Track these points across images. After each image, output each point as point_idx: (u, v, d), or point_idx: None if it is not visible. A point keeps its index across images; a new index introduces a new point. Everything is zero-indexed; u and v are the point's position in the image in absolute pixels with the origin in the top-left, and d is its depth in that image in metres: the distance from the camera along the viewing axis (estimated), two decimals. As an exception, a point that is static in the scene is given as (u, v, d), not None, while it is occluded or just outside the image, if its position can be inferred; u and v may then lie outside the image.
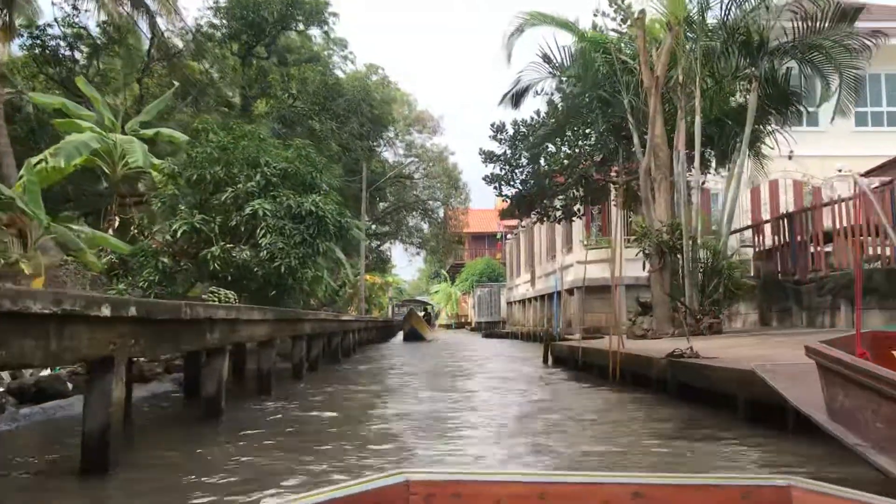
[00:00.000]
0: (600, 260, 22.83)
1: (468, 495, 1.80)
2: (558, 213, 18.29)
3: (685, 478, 1.88)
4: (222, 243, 16.22)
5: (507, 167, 17.15)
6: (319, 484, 3.21)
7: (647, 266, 13.33)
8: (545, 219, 18.47)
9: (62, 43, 25.57)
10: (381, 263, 49.91)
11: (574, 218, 18.95)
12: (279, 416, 7.35)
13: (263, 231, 16.23)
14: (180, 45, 25.00)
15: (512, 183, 17.33)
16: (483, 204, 67.80)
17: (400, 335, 30.59)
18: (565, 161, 16.45)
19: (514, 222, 48.02)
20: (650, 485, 1.80)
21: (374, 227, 44.57)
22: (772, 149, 14.84)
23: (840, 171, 23.05)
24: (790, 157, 19.27)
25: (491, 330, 43.81)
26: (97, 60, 26.14)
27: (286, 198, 16.70)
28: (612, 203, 19.13)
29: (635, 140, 13.69)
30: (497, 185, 17.36)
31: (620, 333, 14.49)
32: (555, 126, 15.82)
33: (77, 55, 26.45)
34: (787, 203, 23.30)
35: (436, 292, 73.80)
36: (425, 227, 47.07)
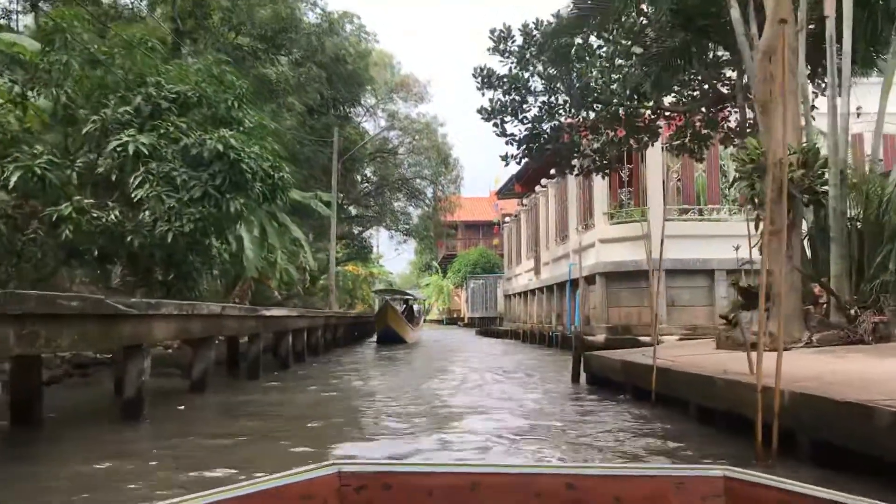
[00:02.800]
0: (631, 237, 17.33)
1: (400, 486, 1.78)
2: (586, 162, 12.77)
3: (619, 468, 1.96)
4: (77, 197, 10.68)
5: (515, 93, 11.59)
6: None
7: (761, 224, 7.81)
8: (567, 172, 12.92)
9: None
10: (362, 251, 44.30)
11: (607, 171, 13.38)
12: None
13: (140, 179, 10.68)
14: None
15: (521, 117, 11.77)
16: (477, 192, 62.39)
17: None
18: (599, 78, 10.96)
19: (512, 205, 42.46)
20: (583, 475, 1.78)
21: (351, 208, 38.91)
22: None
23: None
24: (858, 114, 13.91)
25: (486, 327, 38.22)
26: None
27: (181, 132, 11.13)
28: (664, 147, 13.56)
29: (733, 12, 8.08)
30: (499, 121, 11.81)
31: (725, 336, 9.02)
32: (586, 17, 10.19)
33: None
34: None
35: (426, 285, 68.29)
36: (412, 211, 41.40)
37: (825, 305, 7.45)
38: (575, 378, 9.54)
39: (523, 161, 12.43)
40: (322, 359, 16.65)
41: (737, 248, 9.75)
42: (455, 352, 19.18)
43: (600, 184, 18.04)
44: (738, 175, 7.84)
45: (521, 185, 29.49)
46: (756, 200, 7.67)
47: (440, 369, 12.61)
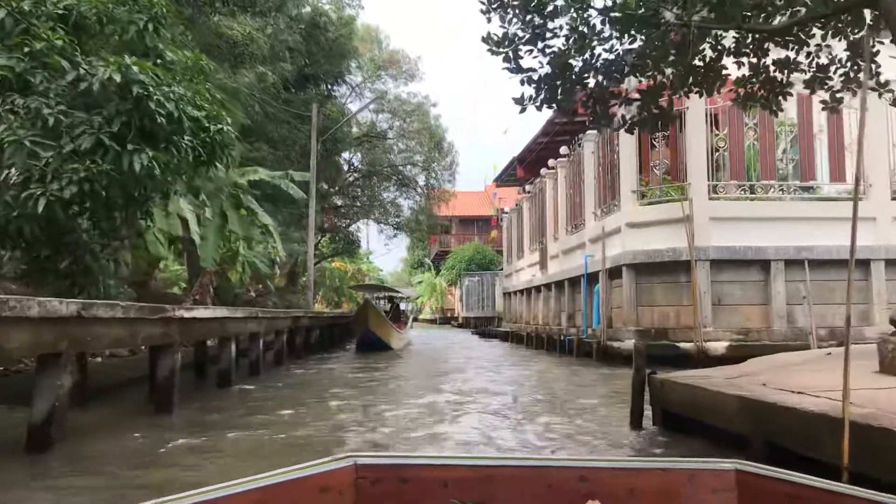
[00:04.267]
0: (667, 220, 14.13)
1: (416, 479, 1.78)
2: (629, 112, 9.57)
3: (631, 461, 1.94)
4: None
5: (534, 13, 8.30)
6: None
7: None
8: (603, 124, 9.66)
9: None
10: (348, 246, 40.94)
11: (657, 126, 10.12)
12: None
13: (-8, 119, 7.40)
14: None
15: (543, 45, 8.49)
16: (471, 186, 59.22)
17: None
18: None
19: (511, 197, 39.13)
20: (596, 468, 1.78)
21: (336, 198, 35.59)
22: None
23: None
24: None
25: (483, 328, 35.02)
26: None
27: (64, 56, 7.87)
28: (730, 100, 10.31)
29: None
30: (511, 53, 8.51)
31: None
32: None
33: None
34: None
35: (419, 283, 64.99)
36: (403, 202, 37.98)
37: None
38: (636, 420, 6.23)
39: (544, 107, 9.13)
40: (285, 371, 13.34)
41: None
42: (450, 362, 15.91)
43: (627, 157, 14.85)
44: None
45: (524, 169, 26.26)
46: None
47: (429, 397, 9.30)
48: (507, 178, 30.31)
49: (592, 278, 16.97)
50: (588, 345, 15.62)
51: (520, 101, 9.03)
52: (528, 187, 26.56)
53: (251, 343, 12.24)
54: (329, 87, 30.17)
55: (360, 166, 36.87)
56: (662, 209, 14.23)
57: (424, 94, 37.47)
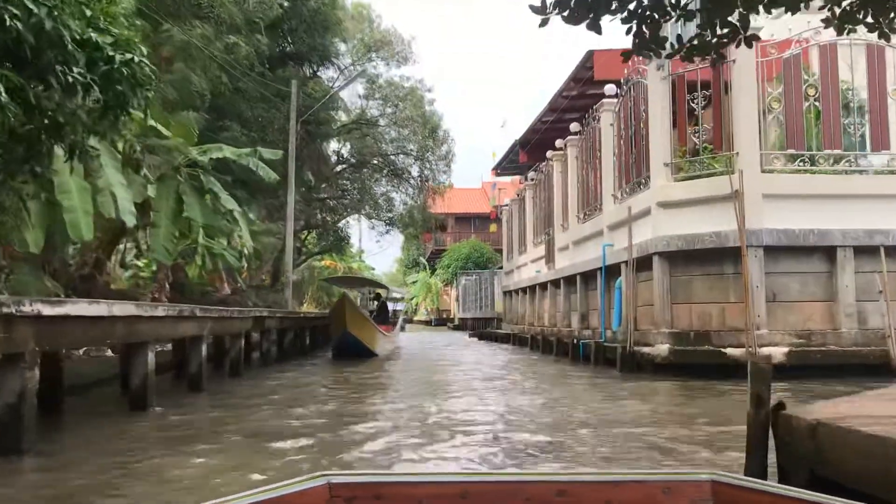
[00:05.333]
0: (710, 198, 11.60)
1: (390, 496, 1.75)
2: (686, 30, 6.94)
3: (608, 474, 1.92)
4: None
5: None
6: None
7: None
8: (652, 51, 7.07)
9: None
10: (338, 242, 38.28)
11: (718, 53, 7.57)
12: None
13: None
14: None
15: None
16: (468, 183, 56.69)
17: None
18: None
19: (512, 189, 36.63)
20: (574, 482, 1.76)
21: (323, 190, 32.92)
22: None
23: None
24: None
25: (481, 329, 32.41)
26: None
27: None
28: (821, 21, 7.80)
29: None
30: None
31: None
32: None
33: None
34: None
35: (413, 283, 62.37)
36: (396, 196, 35.25)
37: None
38: (752, 465, 3.70)
39: (570, 18, 6.54)
40: (237, 386, 10.73)
41: None
42: (447, 374, 13.29)
43: (659, 122, 12.31)
44: None
45: (527, 154, 23.74)
46: None
47: (421, 432, 6.72)
48: (508, 165, 27.78)
49: (612, 271, 14.44)
50: (610, 350, 13.06)
51: (540, 9, 6.39)
52: (531, 174, 24.02)
53: (192, 349, 9.69)
54: (314, 67, 27.61)
55: (349, 157, 34.26)
56: (703, 185, 11.69)
57: (418, 78, 34.87)
